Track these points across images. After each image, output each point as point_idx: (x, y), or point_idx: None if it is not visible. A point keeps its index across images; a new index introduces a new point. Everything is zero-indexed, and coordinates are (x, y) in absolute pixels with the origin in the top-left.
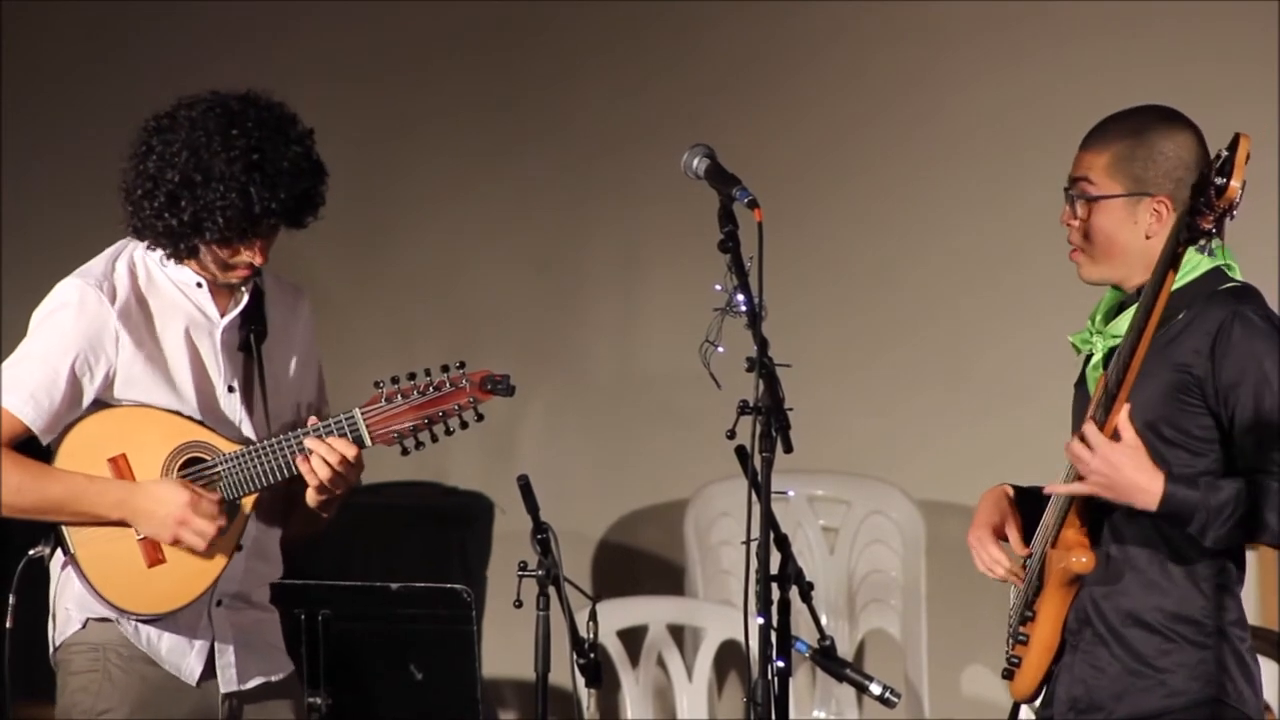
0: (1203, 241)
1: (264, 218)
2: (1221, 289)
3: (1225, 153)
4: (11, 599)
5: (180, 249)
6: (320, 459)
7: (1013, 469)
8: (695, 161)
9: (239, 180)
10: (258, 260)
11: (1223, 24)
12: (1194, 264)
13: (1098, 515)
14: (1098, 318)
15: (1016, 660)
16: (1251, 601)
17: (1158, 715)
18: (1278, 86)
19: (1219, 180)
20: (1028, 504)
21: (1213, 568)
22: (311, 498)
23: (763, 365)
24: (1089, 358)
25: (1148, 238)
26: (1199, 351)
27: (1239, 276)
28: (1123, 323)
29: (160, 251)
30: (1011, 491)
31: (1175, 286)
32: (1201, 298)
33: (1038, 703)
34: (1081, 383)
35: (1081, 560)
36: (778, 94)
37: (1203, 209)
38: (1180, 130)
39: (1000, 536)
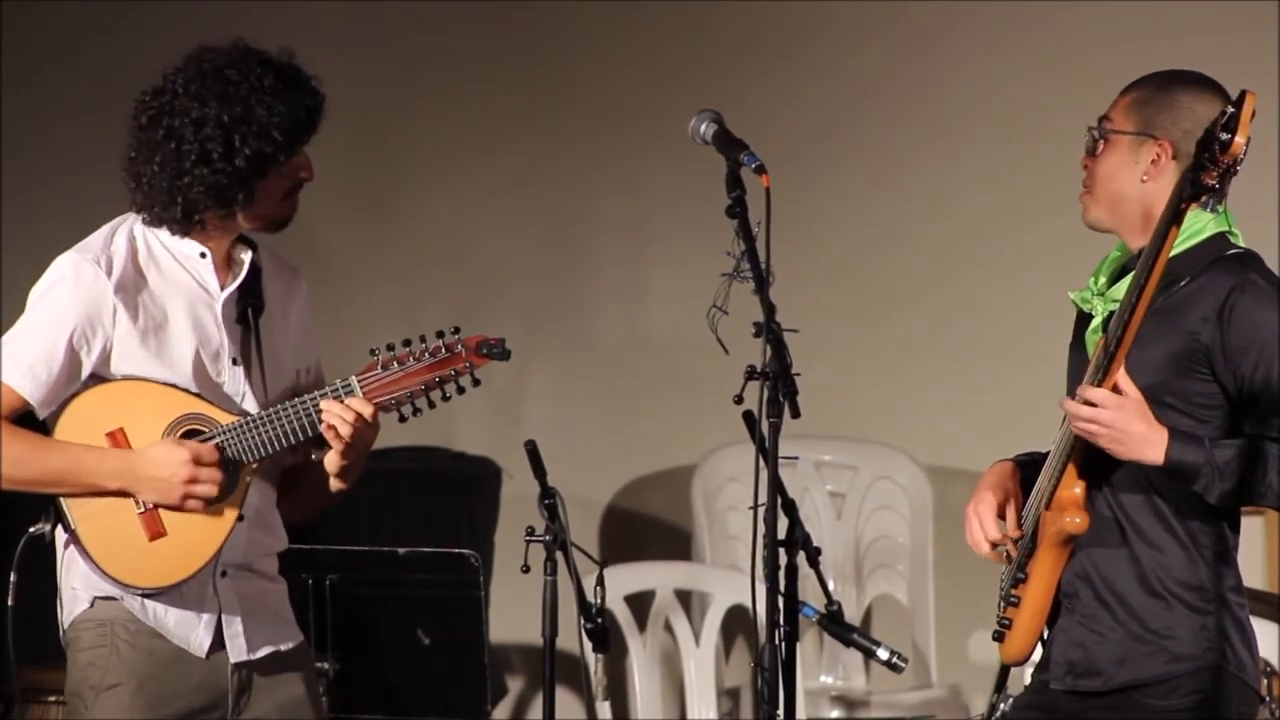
0: (1205, 198)
1: (313, 113)
2: (1227, 255)
3: (1231, 109)
4: (13, 577)
5: (251, 187)
6: (339, 418)
7: (1021, 436)
8: (703, 127)
9: (268, 94)
10: (310, 173)
11: None
12: (1197, 229)
13: (1097, 479)
14: (1100, 279)
15: (1007, 622)
16: (1258, 565)
17: (1160, 681)
18: (1278, 58)
19: (1224, 136)
20: (1031, 476)
21: (1213, 534)
22: (334, 462)
23: (770, 330)
24: (1087, 319)
25: (1144, 180)
26: (1206, 318)
27: (1241, 242)
28: (1125, 287)
29: (226, 209)
30: (1014, 468)
31: (1176, 251)
32: (1205, 264)
33: (1028, 665)
34: (1078, 345)
35: (1075, 521)
36: (787, 60)
37: (1207, 164)
38: (1206, 90)
39: (1000, 515)
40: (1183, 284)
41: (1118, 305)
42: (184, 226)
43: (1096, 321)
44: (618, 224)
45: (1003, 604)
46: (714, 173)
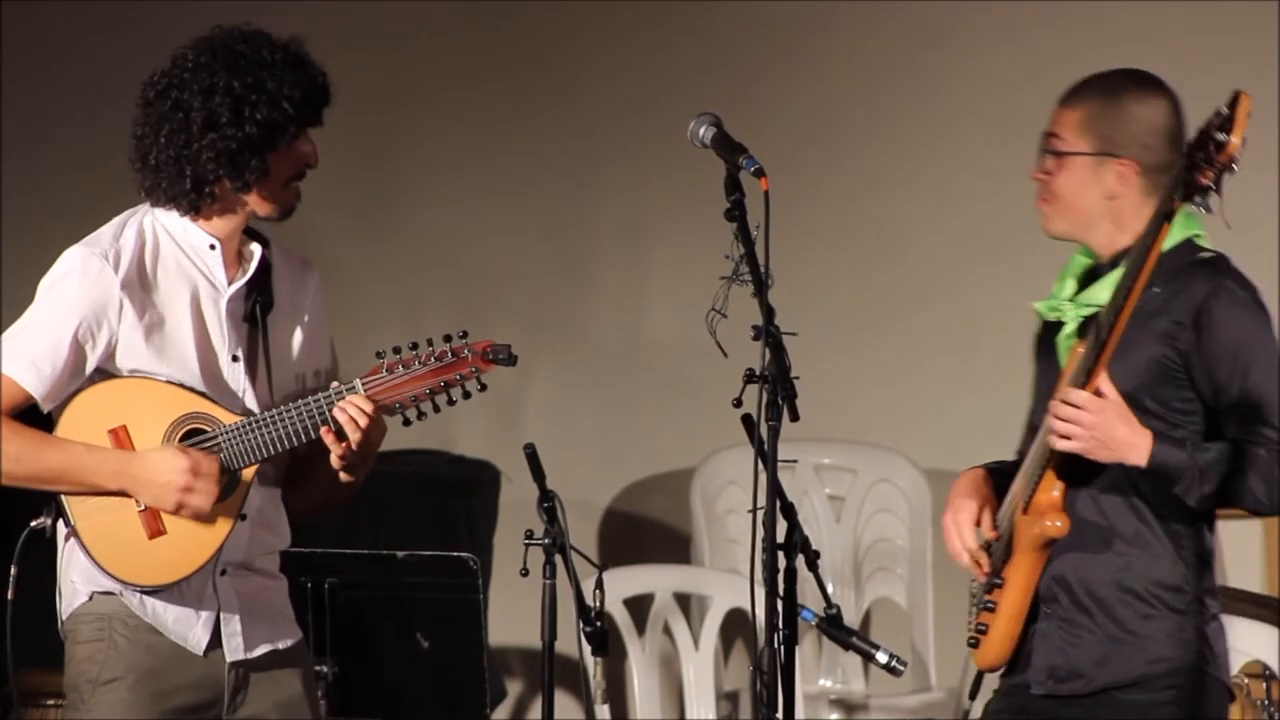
0: (1198, 198)
1: (323, 90)
2: (1198, 259)
3: (1225, 110)
4: (13, 570)
5: (264, 157)
6: (349, 419)
7: (1018, 439)
8: (702, 130)
9: (278, 68)
10: (315, 160)
11: None
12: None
13: (1075, 483)
14: (1067, 284)
15: (983, 628)
16: (1258, 569)
17: (1139, 681)
18: (1278, 58)
19: (1220, 136)
20: (1003, 483)
21: (1192, 537)
22: (336, 463)
23: (769, 334)
24: (1054, 327)
25: (1110, 199)
26: (1182, 324)
27: (1208, 243)
28: (1099, 291)
29: (239, 179)
30: (986, 474)
31: None
32: (1176, 269)
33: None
34: (1045, 355)
35: (1056, 524)
36: (786, 62)
37: (1201, 164)
38: (1156, 96)
39: (976, 523)
40: (1154, 290)
41: (1093, 309)
42: (194, 202)
43: (1070, 328)
44: (618, 226)
45: (976, 609)
46: (714, 175)
